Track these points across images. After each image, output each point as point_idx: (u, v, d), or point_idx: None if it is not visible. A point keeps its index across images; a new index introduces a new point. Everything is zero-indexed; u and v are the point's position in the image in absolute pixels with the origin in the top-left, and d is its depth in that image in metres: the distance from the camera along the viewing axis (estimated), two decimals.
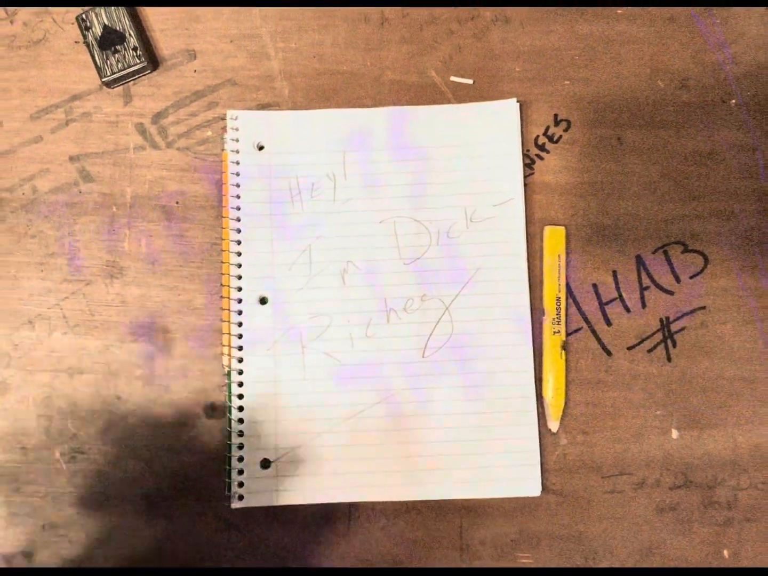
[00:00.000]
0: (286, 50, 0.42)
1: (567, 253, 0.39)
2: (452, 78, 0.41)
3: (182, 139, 0.41)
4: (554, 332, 0.39)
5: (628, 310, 0.40)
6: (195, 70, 0.42)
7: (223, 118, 0.41)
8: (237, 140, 0.40)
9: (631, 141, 0.41)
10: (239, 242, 0.39)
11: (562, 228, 0.40)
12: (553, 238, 0.40)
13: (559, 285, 0.39)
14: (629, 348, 0.40)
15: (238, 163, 0.39)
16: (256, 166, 0.40)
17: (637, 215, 0.40)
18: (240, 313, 0.38)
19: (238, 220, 0.39)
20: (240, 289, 0.38)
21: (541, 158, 0.41)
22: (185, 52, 0.42)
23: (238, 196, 0.39)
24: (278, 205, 0.39)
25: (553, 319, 0.39)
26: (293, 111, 0.40)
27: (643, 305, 0.40)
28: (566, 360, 0.39)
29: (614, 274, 0.40)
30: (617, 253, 0.40)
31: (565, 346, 0.39)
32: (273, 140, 0.40)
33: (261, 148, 0.40)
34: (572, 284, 0.40)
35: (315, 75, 0.41)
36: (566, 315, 0.39)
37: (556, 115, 0.41)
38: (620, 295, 0.40)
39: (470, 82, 0.41)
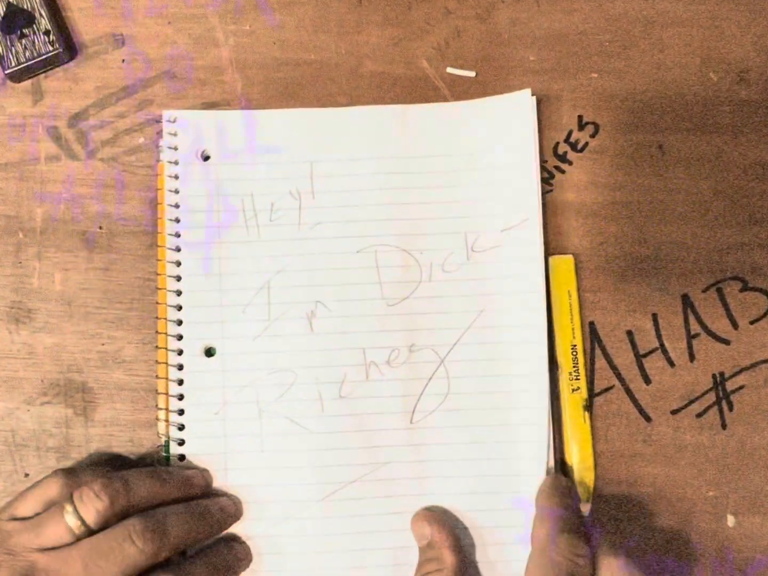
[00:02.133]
0: (239, 34, 0.42)
1: (580, 289, 0.40)
2: (449, 69, 0.41)
3: (107, 148, 0.41)
4: (573, 389, 0.39)
5: (671, 363, 0.40)
6: (123, 60, 0.41)
7: (159, 121, 0.41)
8: (176, 148, 0.39)
9: (675, 149, 0.41)
10: (179, 278, 0.39)
11: (570, 257, 0.40)
12: (561, 271, 0.40)
13: (573, 329, 0.39)
14: (673, 412, 0.39)
15: (177, 177, 0.39)
16: (200, 181, 0.39)
17: (684, 244, 0.40)
18: (180, 367, 0.38)
19: (178, 249, 0.39)
20: (180, 338, 0.38)
21: (562, 171, 0.41)
22: (110, 36, 0.42)
23: (177, 220, 0.39)
24: (228, 231, 0.39)
25: (570, 373, 0.39)
26: (247, 111, 0.40)
27: (691, 358, 0.40)
28: (594, 426, 0.39)
29: (654, 318, 0.40)
30: (658, 291, 0.40)
31: (589, 407, 0.39)
32: (222, 148, 0.39)
33: (206, 158, 0.40)
34: (601, 331, 0.40)
35: (275, 66, 0.41)
36: (590, 368, 0.39)
37: (580, 117, 0.41)
38: (662, 345, 0.40)
39: (472, 74, 0.41)
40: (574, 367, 0.39)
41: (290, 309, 0.39)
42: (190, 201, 0.39)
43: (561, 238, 0.40)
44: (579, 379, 0.39)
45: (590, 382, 0.39)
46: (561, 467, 0.39)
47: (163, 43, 0.41)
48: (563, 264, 0.40)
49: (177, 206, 0.39)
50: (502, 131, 0.39)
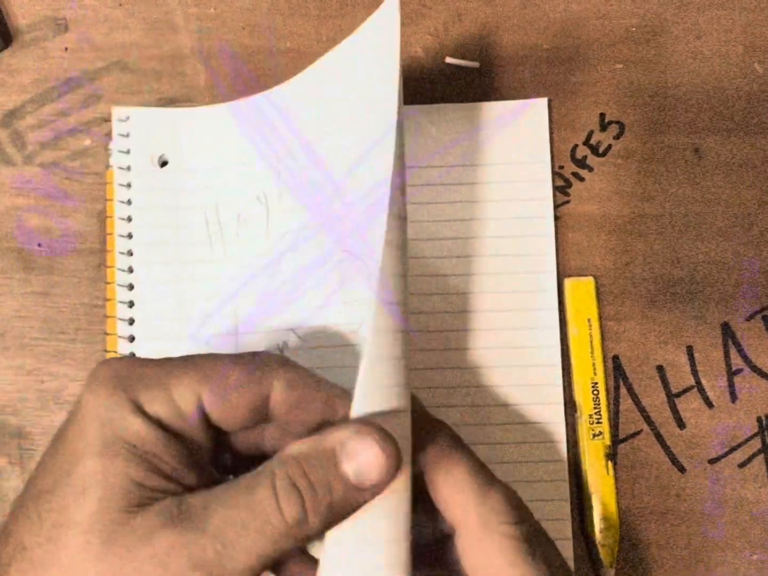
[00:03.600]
0: (202, 18, 0.41)
1: (601, 317, 0.40)
2: (448, 59, 0.41)
3: (48, 151, 0.41)
4: (594, 435, 0.39)
5: (710, 404, 0.40)
6: (66, 48, 0.41)
7: (108, 120, 0.40)
8: (128, 152, 0.39)
9: (714, 153, 0.41)
10: (131, 304, 0.38)
11: (590, 280, 0.40)
12: (579, 295, 0.40)
13: (594, 364, 0.39)
14: (712, 461, 0.39)
15: (129, 185, 0.39)
16: (156, 190, 0.39)
17: (725, 263, 0.40)
18: None
19: (131, 270, 0.39)
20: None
21: (581, 179, 0.41)
22: (51, 21, 0.41)
23: (129, 235, 0.39)
24: (189, 249, 0.39)
25: (591, 415, 0.39)
26: (210, 107, 0.39)
27: (733, 398, 0.40)
28: (619, 478, 0.39)
29: (689, 350, 0.40)
30: (694, 319, 0.40)
31: (613, 456, 0.39)
32: (181, 151, 0.39)
33: (164, 163, 0.39)
34: (627, 366, 0.40)
35: (245, 55, 0.41)
36: (614, 410, 0.39)
37: (602, 115, 0.41)
38: (698, 383, 0.40)
39: (475, 65, 0.41)
40: (595, 408, 0.39)
41: (261, 340, 0.38)
42: (144, 214, 0.39)
43: (579, 258, 0.40)
44: (601, 423, 0.39)
45: (614, 427, 0.39)
46: (580, 526, 0.38)
47: (112, 29, 0.41)
48: (582, 287, 0.40)
49: (129, 220, 0.39)
50: (508, 142, 0.40)
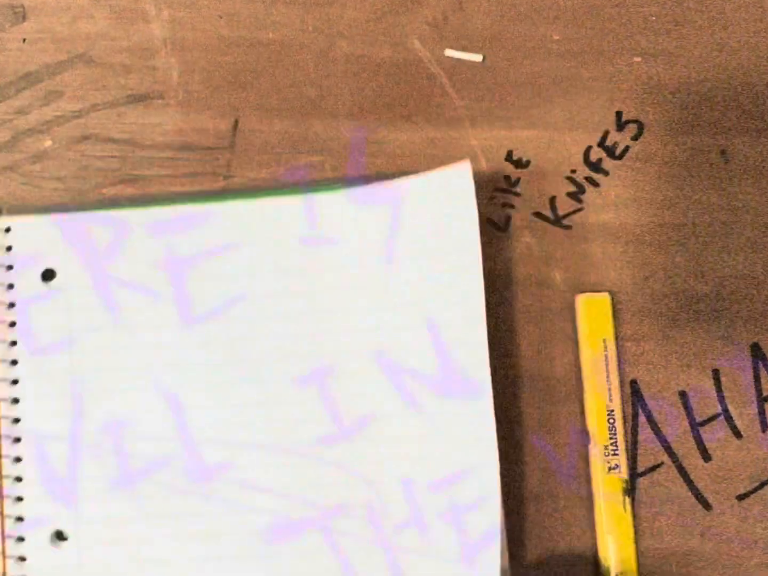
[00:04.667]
0: (175, 6, 0.41)
1: (618, 338, 0.39)
2: (448, 52, 0.40)
3: (4, 153, 0.40)
4: (610, 468, 0.38)
5: (738, 434, 0.39)
6: (24, 40, 0.41)
7: (78, 117, 0.40)
8: (10, 268, 0.38)
9: (742, 156, 0.40)
10: (18, 440, 0.37)
11: (606, 296, 0.39)
12: (594, 313, 0.39)
13: (610, 389, 0.39)
14: (740, 497, 0.39)
15: (12, 306, 0.38)
16: (44, 312, 0.38)
17: (753, 278, 0.40)
18: (22, 560, 0.37)
19: (16, 401, 0.38)
20: (21, 519, 0.37)
21: (595, 184, 0.40)
22: (8, 9, 0.41)
23: (12, 324, 0.38)
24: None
25: (606, 447, 0.38)
26: (106, 213, 0.38)
27: (764, 426, 0.39)
28: (637, 516, 0.38)
29: (715, 374, 0.39)
30: (720, 340, 0.39)
31: (631, 491, 0.38)
32: (72, 263, 0.38)
33: (49, 276, 0.38)
34: (646, 392, 0.39)
35: (222, 47, 0.41)
36: (632, 440, 0.39)
37: (619, 114, 0.40)
38: (725, 411, 0.39)
39: (478, 58, 0.41)
40: (611, 439, 0.38)
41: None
42: (32, 338, 0.38)
43: (594, 271, 0.40)
44: (618, 455, 0.38)
45: (632, 459, 0.39)
46: (594, 570, 0.38)
47: (76, 18, 0.40)
48: (597, 305, 0.39)
49: (13, 344, 0.38)
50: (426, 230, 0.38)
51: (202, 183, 0.40)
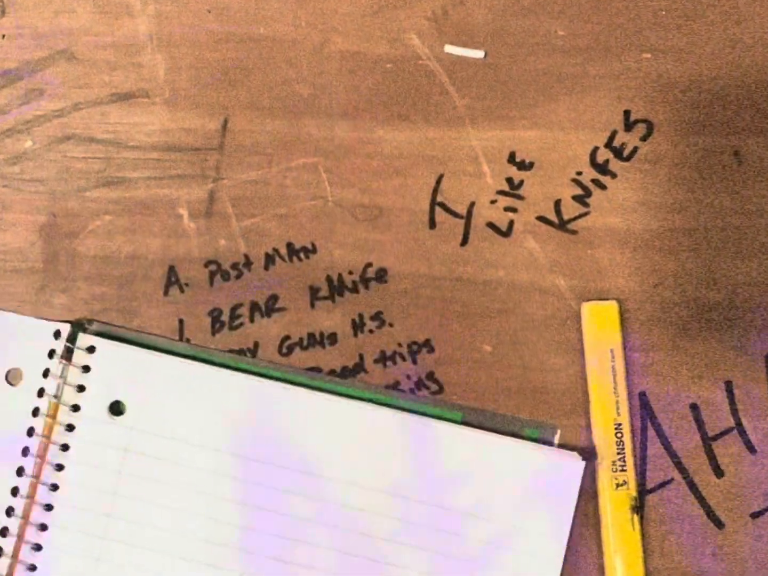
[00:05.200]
0: (161, 0, 0.41)
1: (626, 348, 0.39)
2: (447, 48, 0.40)
3: None
4: (618, 485, 0.38)
5: (752, 449, 0.39)
6: (3, 36, 0.41)
7: (60, 116, 0.39)
8: (81, 389, 0.39)
9: (756, 157, 0.40)
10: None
11: (613, 304, 0.39)
12: (600, 322, 0.39)
13: (618, 402, 0.38)
14: (754, 515, 0.39)
15: (71, 429, 0.39)
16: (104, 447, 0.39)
17: None
18: None
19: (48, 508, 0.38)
20: None
21: (602, 186, 0.40)
22: None
23: (65, 447, 0.38)
24: None
25: (614, 462, 0.38)
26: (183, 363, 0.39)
27: None
28: (646, 534, 0.38)
29: (728, 386, 0.39)
30: (733, 350, 0.39)
31: (640, 509, 0.38)
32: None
33: (119, 412, 0.39)
34: (656, 405, 0.39)
35: (211, 43, 0.40)
36: (641, 455, 0.39)
37: (627, 113, 0.40)
38: (738, 424, 0.39)
39: (479, 55, 0.40)
40: (618, 454, 0.38)
41: None
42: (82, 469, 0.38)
43: (600, 278, 0.39)
44: (626, 471, 0.38)
45: (641, 475, 0.38)
46: None
47: (58, 12, 0.40)
48: (604, 313, 0.39)
49: (59, 468, 0.38)
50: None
51: (190, 185, 0.40)
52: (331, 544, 0.38)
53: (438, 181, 0.40)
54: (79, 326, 0.39)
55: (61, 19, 0.40)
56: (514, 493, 0.38)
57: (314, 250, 0.39)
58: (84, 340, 0.39)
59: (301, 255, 0.39)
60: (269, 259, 0.39)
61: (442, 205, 0.40)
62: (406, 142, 0.39)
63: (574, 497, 0.38)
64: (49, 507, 0.38)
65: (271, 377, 0.39)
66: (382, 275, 0.39)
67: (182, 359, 0.40)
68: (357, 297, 0.39)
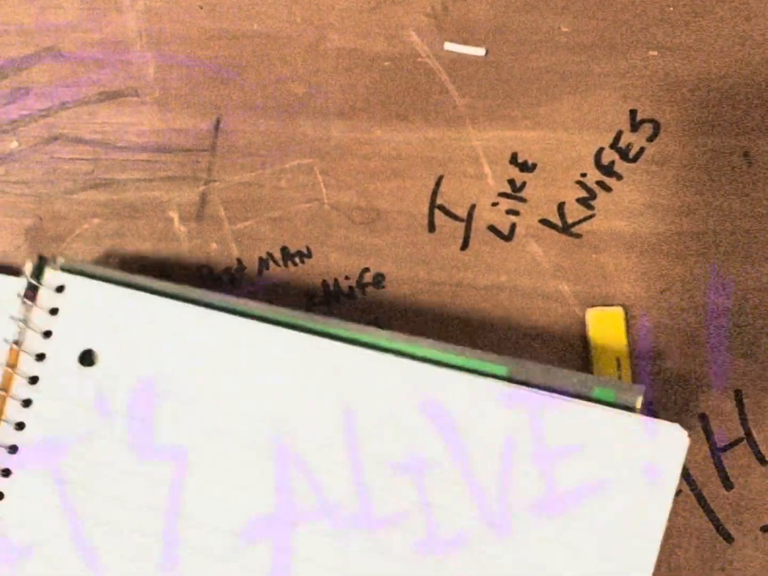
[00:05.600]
0: None
1: (633, 356, 0.38)
2: (447, 45, 0.40)
3: None
4: None
5: (762, 460, 0.39)
6: None
7: (47, 115, 0.39)
8: (48, 335, 0.36)
9: (766, 158, 0.40)
10: None
11: (619, 310, 0.39)
12: (606, 329, 0.39)
13: None
14: (765, 529, 0.38)
15: (35, 381, 0.36)
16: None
17: None
18: None
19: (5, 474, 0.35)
20: None
21: (607, 189, 0.40)
22: None
23: (27, 402, 0.36)
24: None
25: None
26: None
27: None
28: None
29: (738, 396, 0.39)
30: (743, 358, 0.39)
31: None
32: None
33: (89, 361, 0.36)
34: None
35: (203, 40, 0.40)
36: None
37: (633, 113, 0.40)
38: (748, 435, 0.39)
39: (480, 52, 0.40)
40: None
41: None
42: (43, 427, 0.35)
43: (606, 283, 0.39)
44: None
45: None
46: None
47: (44, 8, 0.40)
48: (609, 319, 0.39)
49: (20, 427, 0.36)
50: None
51: (180, 187, 0.39)
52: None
53: (437, 183, 0.39)
54: (45, 261, 0.36)
55: (47, 15, 0.40)
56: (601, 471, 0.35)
57: (310, 255, 0.39)
58: (52, 277, 0.35)
59: (296, 259, 0.39)
60: (263, 264, 0.39)
61: (442, 208, 0.39)
62: (404, 142, 0.39)
63: (676, 475, 0.34)
64: (6, 472, 0.35)
65: (265, 320, 0.35)
66: (379, 280, 0.39)
67: (168, 299, 0.36)
68: (354, 302, 0.39)
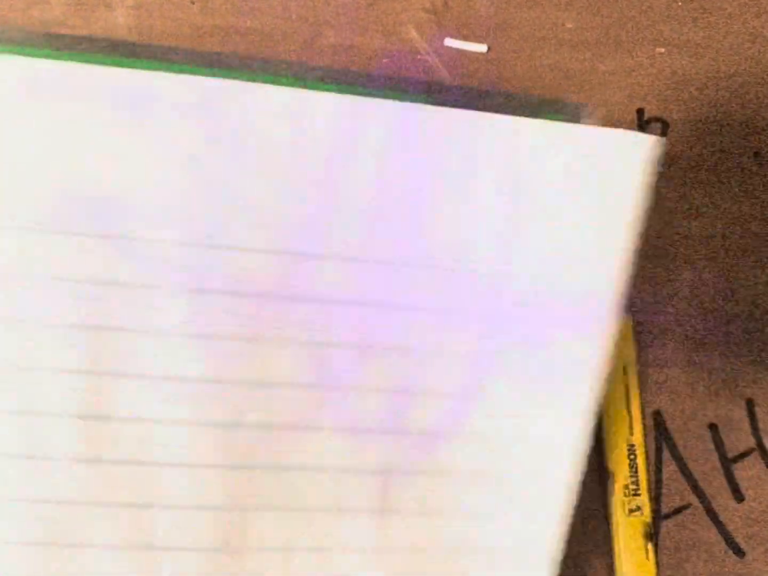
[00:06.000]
0: None
1: (639, 364, 0.38)
2: (448, 42, 0.39)
3: None
4: (631, 510, 0.37)
5: None
6: None
7: None
8: None
9: None
10: None
11: (626, 316, 0.38)
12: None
13: (631, 421, 0.38)
14: None
15: None
16: None
17: None
18: None
19: None
20: None
21: None
22: None
23: None
24: None
25: (627, 486, 0.37)
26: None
27: None
28: (661, 563, 0.38)
29: (748, 404, 0.39)
30: (753, 365, 0.39)
31: (654, 536, 0.38)
32: None
33: None
34: (671, 424, 0.39)
35: (195, 36, 0.39)
36: (656, 478, 0.38)
37: (641, 112, 0.39)
38: (760, 445, 0.39)
39: (482, 49, 0.39)
40: (632, 477, 0.37)
41: None
42: None
43: None
44: (639, 495, 0.37)
45: (656, 500, 0.38)
46: None
47: (30, 4, 0.39)
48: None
49: None
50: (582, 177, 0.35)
51: None
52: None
53: None
54: None
55: (33, 11, 0.39)
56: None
57: None
58: None
59: None
60: None
61: None
62: None
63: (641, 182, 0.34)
64: None
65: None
66: None
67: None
68: None
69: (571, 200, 0.35)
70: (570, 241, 0.35)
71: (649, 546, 0.37)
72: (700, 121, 0.39)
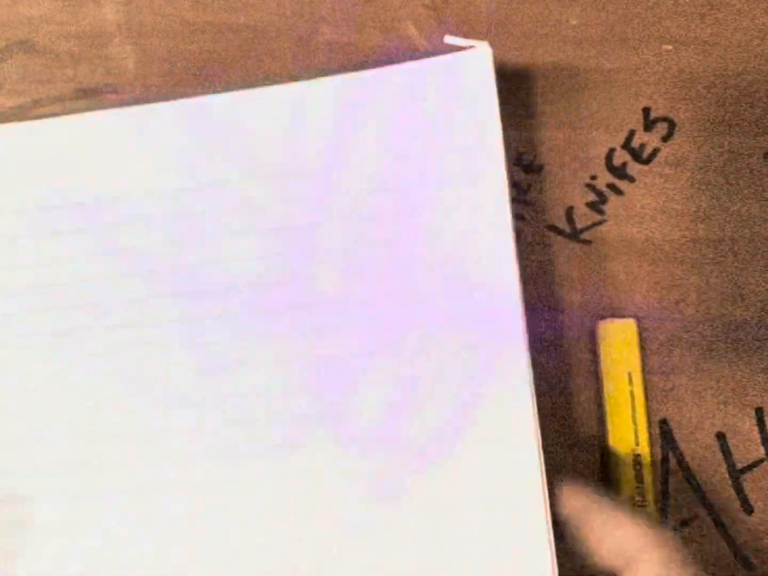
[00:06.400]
0: None
1: (645, 371, 0.38)
2: (447, 39, 0.39)
3: None
4: None
5: None
6: None
7: (19, 114, 0.39)
8: None
9: None
10: None
11: (631, 322, 0.38)
12: (617, 342, 0.38)
13: (637, 430, 0.38)
14: None
15: None
16: None
17: None
18: None
19: None
20: None
21: (619, 192, 0.39)
22: None
23: None
24: None
25: (632, 498, 0.37)
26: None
27: None
28: None
29: (758, 413, 0.38)
30: (763, 373, 0.38)
31: None
32: None
33: None
34: (678, 433, 0.38)
35: (186, 33, 0.40)
36: (662, 489, 0.38)
37: (647, 111, 0.40)
38: None
39: (483, 46, 0.39)
40: (637, 488, 0.37)
41: None
42: None
43: (617, 294, 0.39)
44: (645, 506, 0.37)
45: (662, 512, 0.38)
46: None
47: (16, 1, 0.39)
48: (620, 332, 0.38)
49: None
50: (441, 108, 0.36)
51: None
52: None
53: None
54: None
55: (19, 6, 0.39)
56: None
57: None
58: None
59: None
60: None
61: None
62: None
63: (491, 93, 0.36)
64: None
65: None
66: None
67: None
68: None
69: (437, 132, 0.36)
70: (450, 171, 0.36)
71: None
72: (709, 120, 0.39)
